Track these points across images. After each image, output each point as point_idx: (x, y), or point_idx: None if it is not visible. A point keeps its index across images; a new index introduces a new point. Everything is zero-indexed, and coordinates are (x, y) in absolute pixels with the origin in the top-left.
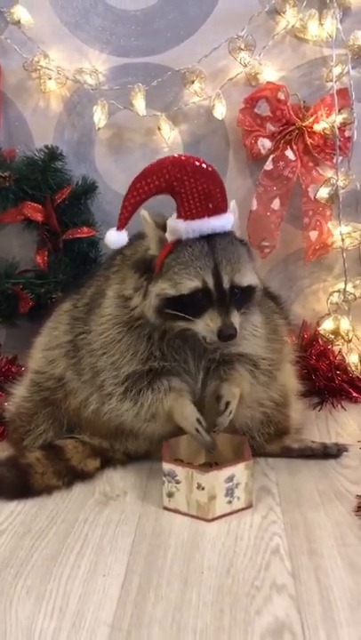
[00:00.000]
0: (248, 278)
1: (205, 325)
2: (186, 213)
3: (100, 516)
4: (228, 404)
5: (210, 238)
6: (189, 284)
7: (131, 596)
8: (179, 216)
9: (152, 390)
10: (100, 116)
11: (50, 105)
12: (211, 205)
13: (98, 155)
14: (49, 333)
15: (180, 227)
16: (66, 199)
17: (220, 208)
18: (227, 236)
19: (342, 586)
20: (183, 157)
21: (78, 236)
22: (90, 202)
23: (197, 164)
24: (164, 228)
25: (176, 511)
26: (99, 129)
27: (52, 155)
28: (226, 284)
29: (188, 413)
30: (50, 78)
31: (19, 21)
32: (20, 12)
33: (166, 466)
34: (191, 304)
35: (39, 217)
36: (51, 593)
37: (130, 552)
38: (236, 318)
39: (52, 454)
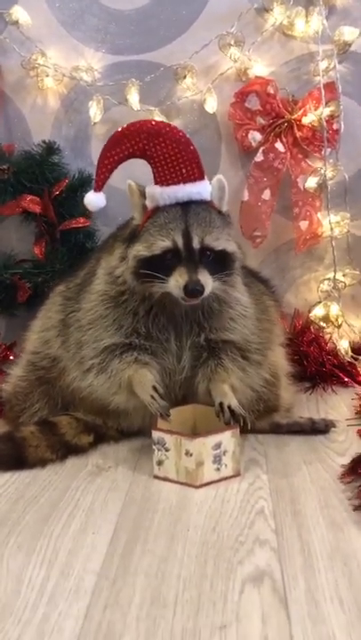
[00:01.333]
0: (222, 242)
1: (175, 282)
2: (160, 179)
3: (92, 485)
4: (221, 404)
5: (186, 204)
6: (161, 244)
7: (118, 550)
8: (155, 182)
9: (120, 361)
10: (95, 111)
11: (47, 102)
12: (184, 171)
13: (94, 149)
14: (44, 315)
15: (156, 192)
16: (63, 192)
17: (195, 175)
18: (203, 203)
19: (322, 540)
20: (153, 122)
21: (74, 226)
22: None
23: (167, 129)
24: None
25: (165, 479)
26: (94, 124)
27: (50, 149)
28: (196, 245)
29: (144, 381)
30: (47, 76)
31: (17, 21)
32: (18, 13)
33: (156, 434)
34: (162, 264)
35: (37, 209)
36: (41, 548)
37: (119, 514)
38: (205, 278)
39: (46, 429)
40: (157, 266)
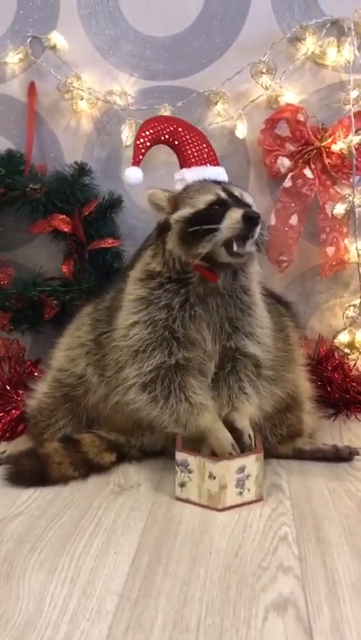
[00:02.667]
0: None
1: (229, 220)
2: (189, 162)
3: (114, 504)
4: (250, 436)
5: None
6: (204, 199)
7: (140, 571)
8: (182, 166)
9: (186, 399)
10: (127, 135)
11: (81, 124)
12: (206, 156)
13: (125, 172)
14: (71, 334)
15: (186, 174)
16: (93, 212)
17: (214, 160)
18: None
19: (348, 569)
20: (172, 117)
21: (103, 246)
22: (115, 215)
23: (185, 122)
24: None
25: (188, 501)
26: (126, 147)
27: (82, 170)
28: (238, 195)
29: (224, 439)
30: (82, 99)
31: (55, 46)
32: (56, 38)
33: (179, 455)
34: (208, 218)
35: (67, 228)
36: (63, 566)
37: (141, 534)
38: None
39: (69, 446)
40: (203, 221)
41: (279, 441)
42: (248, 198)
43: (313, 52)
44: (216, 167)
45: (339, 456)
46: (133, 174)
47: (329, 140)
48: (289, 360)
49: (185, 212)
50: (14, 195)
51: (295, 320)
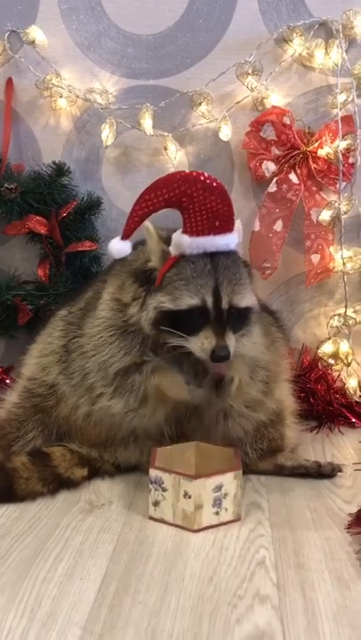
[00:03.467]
0: (247, 300)
1: (200, 344)
2: (192, 229)
3: (83, 523)
4: (232, 379)
5: (213, 256)
6: (188, 301)
7: (107, 600)
8: (184, 231)
9: (139, 373)
10: (107, 134)
11: (60, 123)
12: (217, 223)
13: (105, 173)
14: (43, 340)
15: (184, 242)
16: (70, 214)
17: (227, 227)
18: (230, 255)
19: (328, 599)
20: (195, 174)
21: (81, 249)
22: (94, 218)
23: (208, 181)
24: (167, 241)
25: (161, 521)
26: (106, 147)
27: (60, 170)
28: (225, 305)
29: (176, 379)
30: (61, 96)
31: (33, 41)
32: (35, 33)
33: (153, 472)
34: (187, 321)
35: (43, 230)
36: (25, 593)
37: (110, 558)
38: (231, 340)
39: (38, 460)
40: (180, 321)
41: (260, 456)
42: (240, 299)
43: (300, 54)
44: (226, 235)
45: (321, 472)
46: (120, 249)
47: (315, 145)
48: (278, 372)
49: (166, 303)
50: None
51: (283, 330)
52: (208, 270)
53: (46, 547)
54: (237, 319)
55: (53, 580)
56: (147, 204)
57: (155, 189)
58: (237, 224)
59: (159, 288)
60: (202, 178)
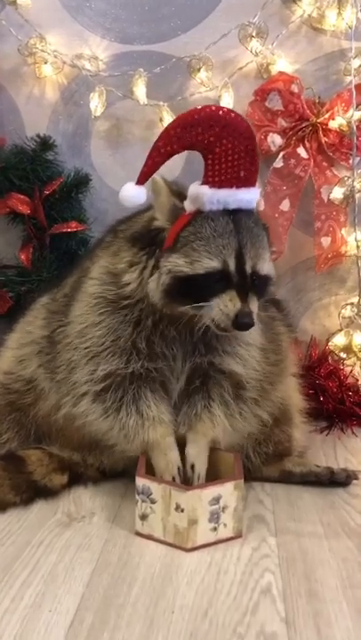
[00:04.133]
0: (268, 267)
1: (223, 307)
2: (214, 179)
3: (59, 540)
4: (193, 466)
5: (234, 214)
6: (208, 263)
7: (79, 639)
8: (205, 182)
9: (138, 411)
10: (96, 104)
11: (45, 93)
12: (242, 174)
13: (94, 147)
14: (21, 329)
15: (204, 194)
16: (56, 192)
17: (252, 180)
18: (252, 214)
19: (348, 637)
20: (224, 111)
21: (66, 230)
22: (82, 196)
23: (239, 121)
24: (178, 196)
25: (150, 537)
26: (95, 117)
27: (45, 145)
28: (248, 269)
29: (170, 459)
30: (46, 63)
31: (15, 2)
32: None
33: (140, 481)
34: (205, 286)
35: (26, 210)
36: None
37: (87, 583)
38: (255, 307)
39: (11, 465)
40: (196, 288)
41: (264, 461)
42: (263, 264)
43: (310, 15)
44: (249, 189)
45: (334, 480)
46: (133, 195)
47: (326, 116)
48: (278, 373)
49: (183, 266)
50: None
51: (287, 322)
52: (230, 230)
53: (12, 570)
54: (258, 288)
55: (17, 612)
56: (171, 140)
57: (183, 127)
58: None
59: (173, 249)
60: (232, 115)
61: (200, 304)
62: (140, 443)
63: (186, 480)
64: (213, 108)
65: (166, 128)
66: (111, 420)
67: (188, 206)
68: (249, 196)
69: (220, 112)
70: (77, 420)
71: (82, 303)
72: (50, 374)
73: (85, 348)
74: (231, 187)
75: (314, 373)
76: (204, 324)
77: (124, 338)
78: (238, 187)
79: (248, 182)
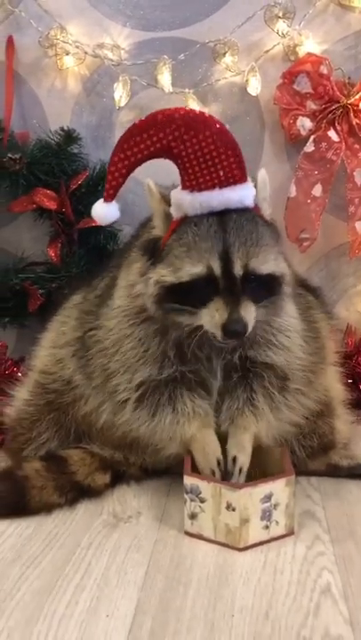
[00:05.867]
0: (269, 265)
1: (210, 318)
2: (190, 183)
3: (108, 541)
4: (235, 459)
5: (223, 215)
6: (190, 270)
7: None
8: (183, 187)
9: (173, 409)
10: (121, 94)
11: (67, 85)
12: (221, 173)
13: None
14: (56, 329)
15: (183, 200)
16: (82, 186)
17: (235, 177)
18: (245, 212)
19: None
20: (181, 111)
21: (94, 225)
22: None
23: (200, 119)
24: (168, 203)
25: (199, 537)
26: (119, 108)
27: (69, 138)
28: (238, 271)
29: (210, 452)
30: (67, 54)
31: None
32: None
33: (189, 480)
34: (194, 294)
35: (52, 205)
36: (38, 637)
37: (141, 587)
38: (248, 312)
39: (53, 466)
40: (186, 294)
41: (309, 455)
42: (260, 263)
43: None
44: (235, 187)
45: None
46: (104, 213)
47: (357, 97)
48: (320, 362)
49: (165, 275)
50: None
51: (325, 310)
52: (214, 232)
53: (64, 573)
54: (259, 288)
55: (74, 618)
56: (126, 154)
57: (132, 136)
58: (261, 174)
59: (160, 259)
60: (191, 115)
61: (190, 312)
62: (179, 440)
63: (227, 474)
64: (172, 109)
65: (119, 140)
66: (152, 424)
67: (175, 213)
68: (237, 195)
69: (177, 114)
70: (119, 429)
71: (112, 313)
72: (87, 380)
73: (120, 359)
74: (213, 188)
75: (351, 362)
76: (199, 333)
77: (152, 348)
78: (221, 187)
79: (232, 180)
